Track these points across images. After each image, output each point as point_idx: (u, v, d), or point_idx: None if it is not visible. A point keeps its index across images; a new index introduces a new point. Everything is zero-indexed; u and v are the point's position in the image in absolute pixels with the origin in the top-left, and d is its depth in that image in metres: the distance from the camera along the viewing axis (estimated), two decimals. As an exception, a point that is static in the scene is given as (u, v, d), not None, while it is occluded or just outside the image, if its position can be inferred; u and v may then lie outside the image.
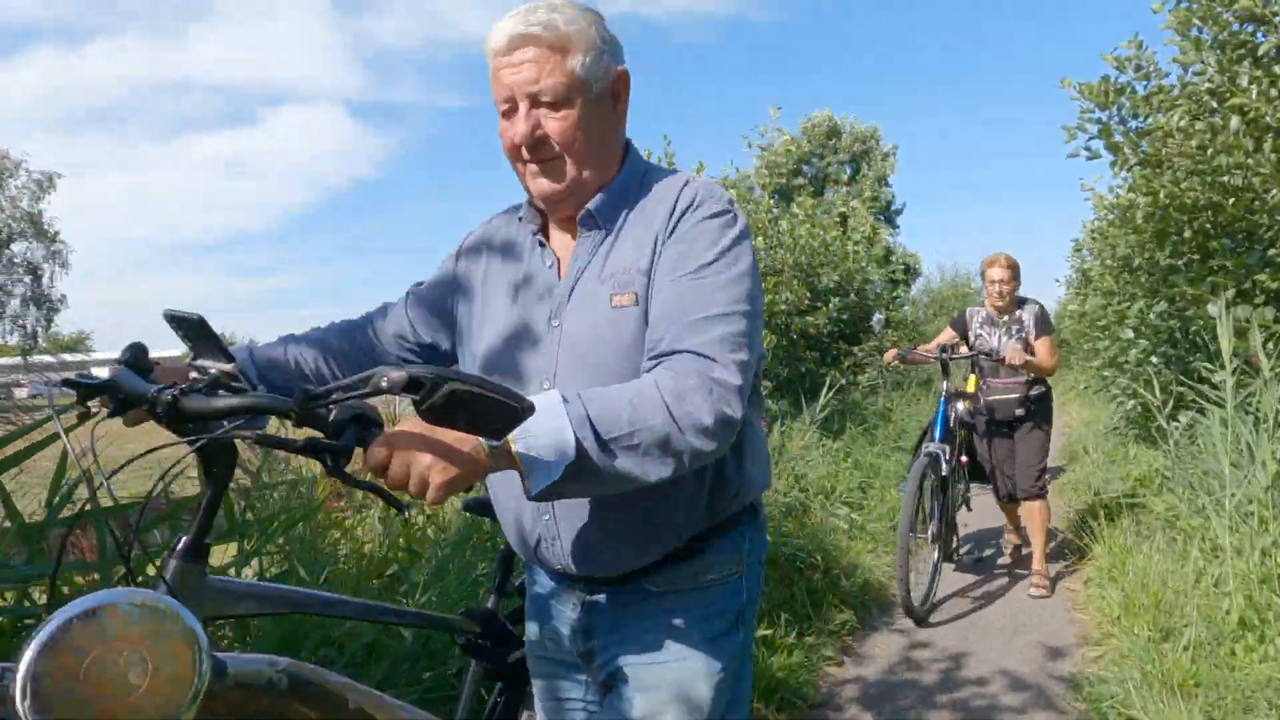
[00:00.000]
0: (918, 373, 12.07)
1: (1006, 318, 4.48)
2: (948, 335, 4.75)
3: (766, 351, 8.42)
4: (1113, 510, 5.04)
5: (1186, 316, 5.40)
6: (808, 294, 9.56)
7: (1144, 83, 5.45)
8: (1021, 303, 4.50)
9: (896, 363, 4.76)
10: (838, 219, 11.65)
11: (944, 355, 4.52)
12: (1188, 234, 5.28)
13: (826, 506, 5.00)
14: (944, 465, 4.21)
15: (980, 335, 4.55)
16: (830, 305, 9.60)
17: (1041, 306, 4.47)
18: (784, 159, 32.69)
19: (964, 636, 3.84)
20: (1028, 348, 4.35)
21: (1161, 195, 5.09)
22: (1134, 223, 5.46)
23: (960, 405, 4.55)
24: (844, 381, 9.80)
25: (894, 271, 27.22)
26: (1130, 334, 6.11)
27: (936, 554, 4.23)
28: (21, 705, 0.36)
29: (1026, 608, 4.21)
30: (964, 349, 4.61)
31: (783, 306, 9.31)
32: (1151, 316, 5.87)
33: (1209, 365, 4.32)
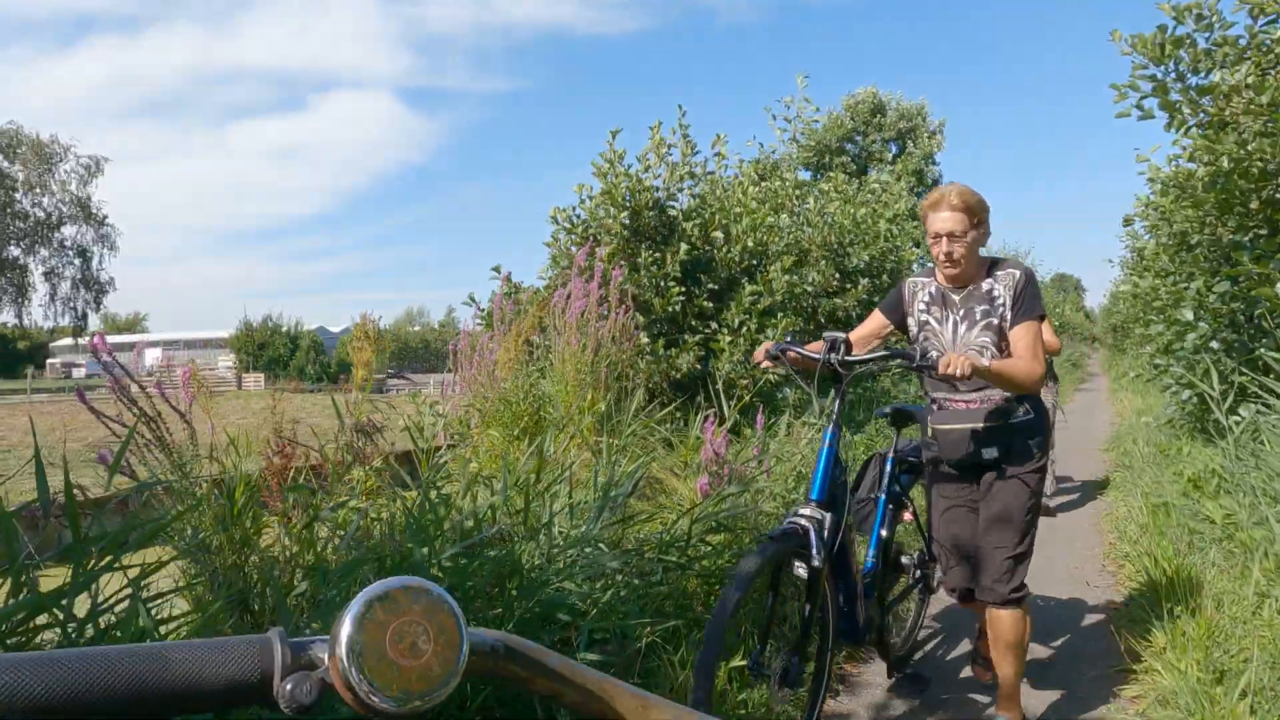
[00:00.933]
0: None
1: (966, 292, 2.70)
2: (873, 325, 2.95)
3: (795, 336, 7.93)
4: (1160, 516, 4.48)
5: (1251, 297, 4.77)
6: (836, 275, 9.01)
7: (1206, 34, 4.81)
8: (993, 267, 2.71)
9: (769, 364, 2.86)
10: (871, 195, 11.03)
11: (830, 357, 2.59)
12: (1254, 205, 4.66)
13: (836, 508, 4.52)
14: (813, 554, 2.46)
15: (927, 324, 2.77)
16: (860, 286, 9.04)
17: (1027, 272, 2.68)
18: (826, 134, 31.88)
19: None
20: (1001, 338, 2.63)
21: (1224, 161, 4.48)
22: (1193, 194, 4.85)
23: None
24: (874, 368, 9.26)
25: (939, 252, 26.31)
26: (1189, 315, 5.49)
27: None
28: (346, 663, 0.43)
29: (1049, 621, 3.71)
30: (870, 350, 2.78)
31: (808, 288, 8.79)
32: (1211, 298, 5.25)
33: (1277, 355, 3.74)
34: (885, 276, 9.62)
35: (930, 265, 2.83)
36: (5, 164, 36.22)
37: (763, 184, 8.38)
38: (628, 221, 6.49)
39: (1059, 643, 3.58)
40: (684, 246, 6.35)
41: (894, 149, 32.25)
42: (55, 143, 36.82)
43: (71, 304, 39.06)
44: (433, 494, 2.62)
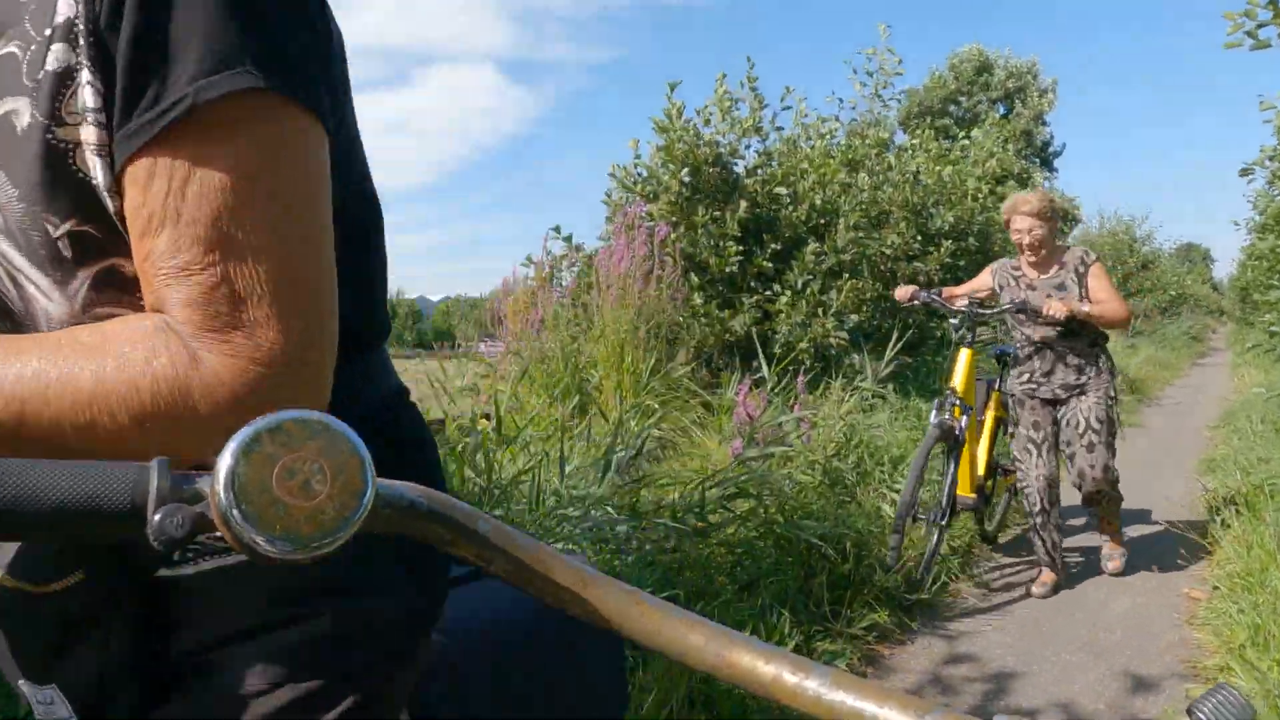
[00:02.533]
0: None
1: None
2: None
3: (867, 300, 7.53)
4: (1257, 499, 4.01)
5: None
6: (918, 237, 8.51)
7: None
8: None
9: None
10: (961, 152, 10.35)
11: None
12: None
13: (887, 479, 4.23)
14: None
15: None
16: (943, 249, 8.51)
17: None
18: (927, 95, 30.44)
19: (1026, 650, 3.05)
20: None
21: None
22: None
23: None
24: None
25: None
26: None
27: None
28: (224, 497, 0.41)
29: (1113, 614, 3.35)
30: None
31: (887, 251, 8.33)
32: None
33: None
34: (972, 239, 9.04)
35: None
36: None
37: (836, 138, 7.95)
38: (687, 179, 6.24)
39: (1127, 626, 3.23)
40: (744, 204, 6.06)
41: (1001, 109, 30.58)
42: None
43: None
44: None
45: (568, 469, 3.00)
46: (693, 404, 4.44)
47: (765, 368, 4.45)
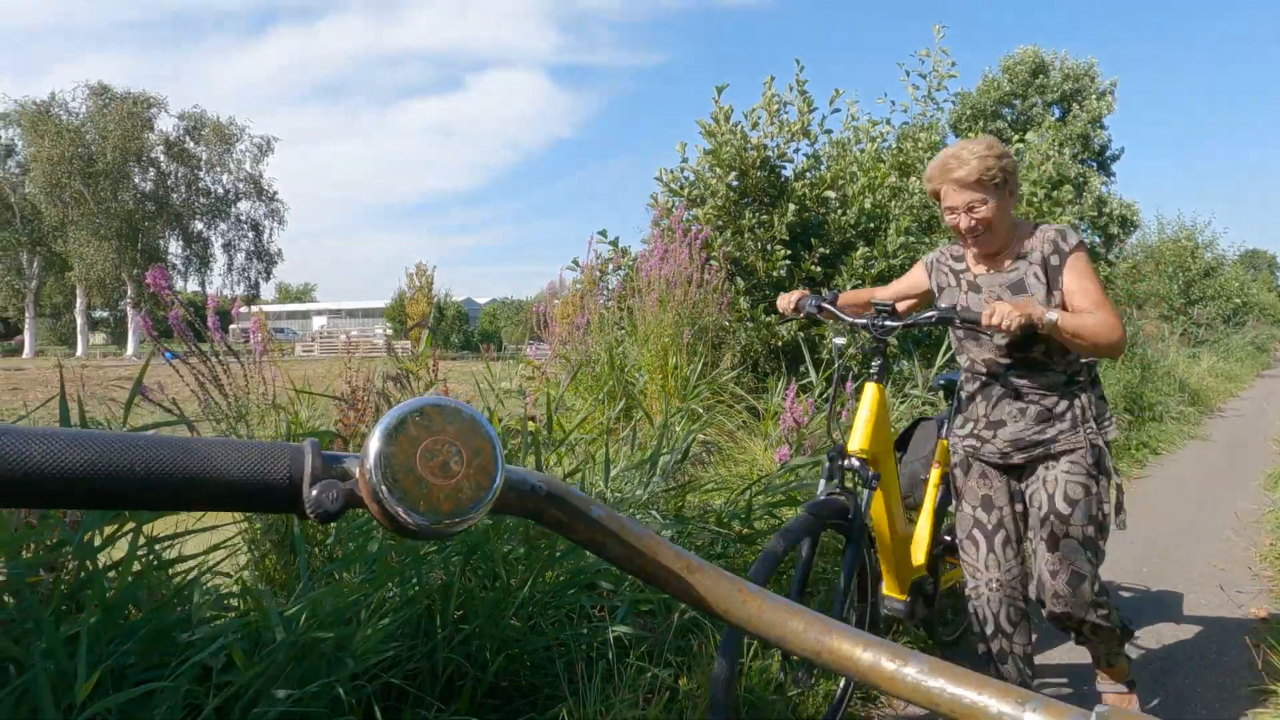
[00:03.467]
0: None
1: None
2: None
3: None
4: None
5: None
6: (969, 242, 8.35)
7: None
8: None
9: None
10: (1015, 156, 10.12)
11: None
12: None
13: (939, 488, 4.13)
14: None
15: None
16: (996, 255, 8.33)
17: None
18: (980, 97, 29.90)
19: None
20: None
21: None
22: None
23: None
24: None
25: (1104, 223, 24.28)
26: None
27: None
28: (374, 475, 0.43)
29: (1184, 634, 3.23)
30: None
31: (938, 256, 8.19)
32: None
33: None
34: (1026, 244, 8.83)
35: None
36: (191, 145, 39.59)
37: (887, 141, 7.83)
38: (735, 183, 6.20)
39: (1186, 650, 3.10)
40: (792, 208, 6.00)
41: (1056, 112, 29.93)
42: (233, 124, 39.89)
43: (246, 274, 42.43)
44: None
45: (612, 472, 2.99)
46: (738, 409, 4.40)
47: (813, 373, 4.40)
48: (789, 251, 5.98)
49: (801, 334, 5.77)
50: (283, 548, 2.63)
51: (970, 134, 9.93)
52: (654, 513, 2.83)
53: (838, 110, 6.83)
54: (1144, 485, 6.15)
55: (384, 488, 0.43)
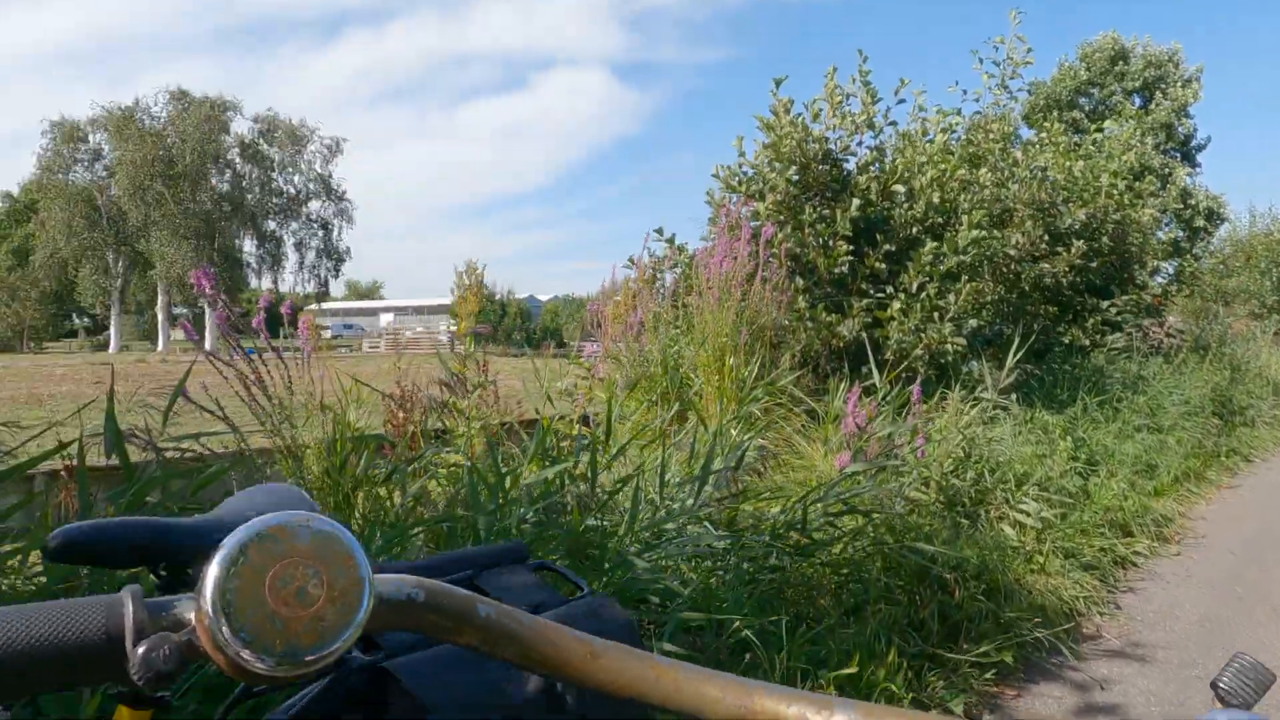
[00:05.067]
0: (1190, 334, 9.86)
1: None
2: None
3: (987, 304, 7.09)
4: None
5: None
6: (1045, 236, 7.96)
7: None
8: None
9: None
10: (1093, 145, 9.65)
11: None
12: None
13: (1011, 499, 3.90)
14: None
15: None
16: (1073, 249, 7.93)
17: None
18: (1055, 86, 28.85)
19: (1181, 687, 2.72)
20: None
21: None
22: None
23: None
24: (1086, 343, 8.14)
25: (1189, 215, 23.12)
26: None
27: None
28: (215, 620, 0.37)
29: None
30: None
31: (1011, 251, 7.84)
32: None
33: None
34: (1105, 239, 8.41)
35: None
36: (265, 147, 40.81)
37: (956, 132, 7.51)
38: (795, 177, 6.01)
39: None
40: (855, 202, 5.78)
41: (1137, 101, 28.69)
42: (304, 126, 41.01)
43: (316, 272, 43.59)
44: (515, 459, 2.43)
45: (668, 479, 2.87)
46: (797, 412, 4.24)
47: (876, 374, 4.20)
48: (851, 248, 5.76)
49: (865, 334, 5.56)
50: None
51: (1044, 125, 9.47)
52: (707, 524, 2.70)
53: (903, 101, 6.56)
54: (1237, 495, 5.76)
55: (226, 631, 0.37)
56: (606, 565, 2.27)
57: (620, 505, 2.75)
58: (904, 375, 5.45)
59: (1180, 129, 28.89)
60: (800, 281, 5.64)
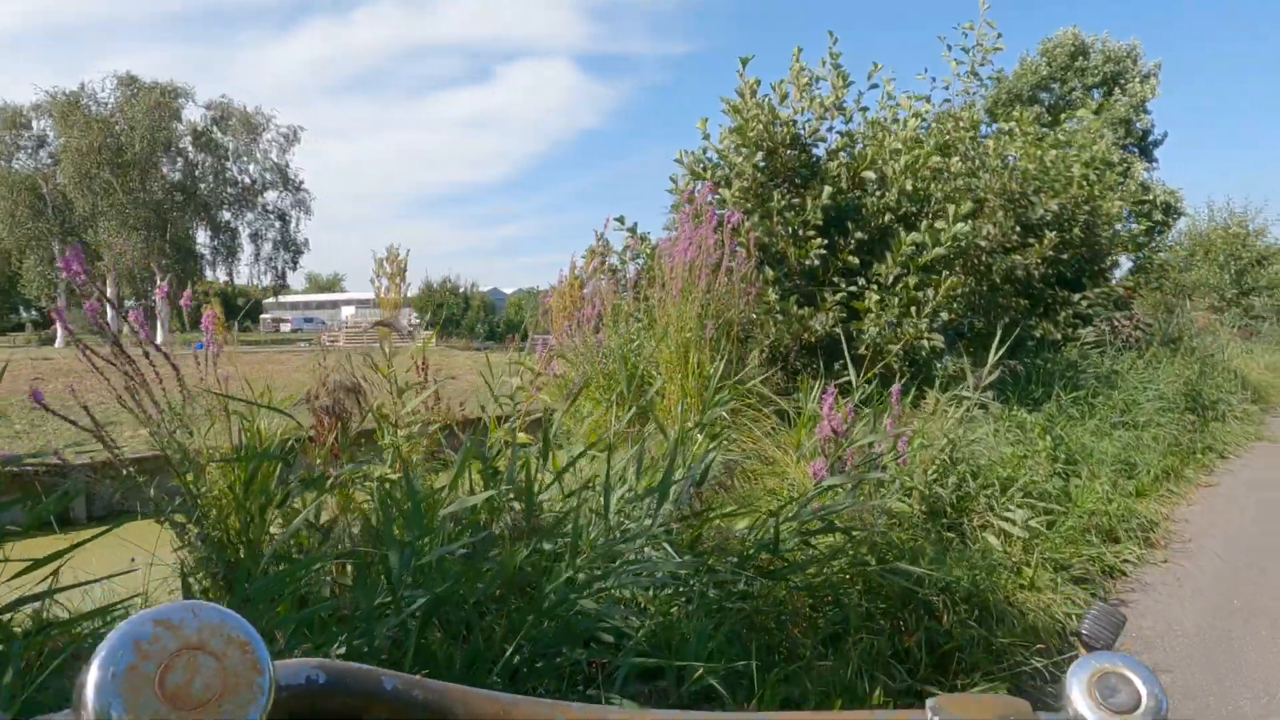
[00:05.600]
0: (1168, 328, 9.76)
1: None
2: None
3: (958, 297, 6.85)
4: None
5: None
6: (1016, 228, 7.75)
7: None
8: None
9: None
10: (1064, 134, 9.48)
11: None
12: None
13: (996, 505, 3.63)
14: None
15: None
16: (1045, 241, 7.73)
17: None
18: (1017, 81, 29.01)
19: (1197, 713, 2.46)
20: None
21: None
22: None
23: None
24: (1058, 336, 7.95)
25: (1147, 210, 23.36)
26: None
27: None
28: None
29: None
30: None
31: (982, 243, 7.61)
32: None
33: None
34: (1077, 230, 8.23)
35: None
36: (218, 134, 39.62)
37: (926, 120, 7.27)
38: (763, 163, 5.69)
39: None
40: (826, 190, 5.48)
41: (1097, 96, 28.95)
42: (259, 113, 39.87)
43: (273, 264, 42.45)
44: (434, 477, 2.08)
45: (621, 495, 2.53)
46: (767, 413, 3.92)
47: (852, 372, 3.88)
48: (823, 239, 5.47)
49: (838, 328, 5.27)
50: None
51: (1006, 119, 9.26)
52: (666, 545, 2.36)
53: (875, 86, 6.29)
54: (1217, 494, 5.57)
55: None
56: (546, 604, 1.93)
57: (566, 529, 2.40)
58: (879, 372, 5.17)
59: (1138, 124, 29.26)
60: (769, 272, 5.34)
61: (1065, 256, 8.18)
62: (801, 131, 5.82)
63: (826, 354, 5.16)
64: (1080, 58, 31.12)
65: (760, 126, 5.58)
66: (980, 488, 3.71)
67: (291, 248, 42.52)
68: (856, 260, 5.56)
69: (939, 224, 5.55)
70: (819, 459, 3.11)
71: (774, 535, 2.46)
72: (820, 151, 6.01)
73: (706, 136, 5.87)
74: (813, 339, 5.26)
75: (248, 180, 40.59)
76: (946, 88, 8.59)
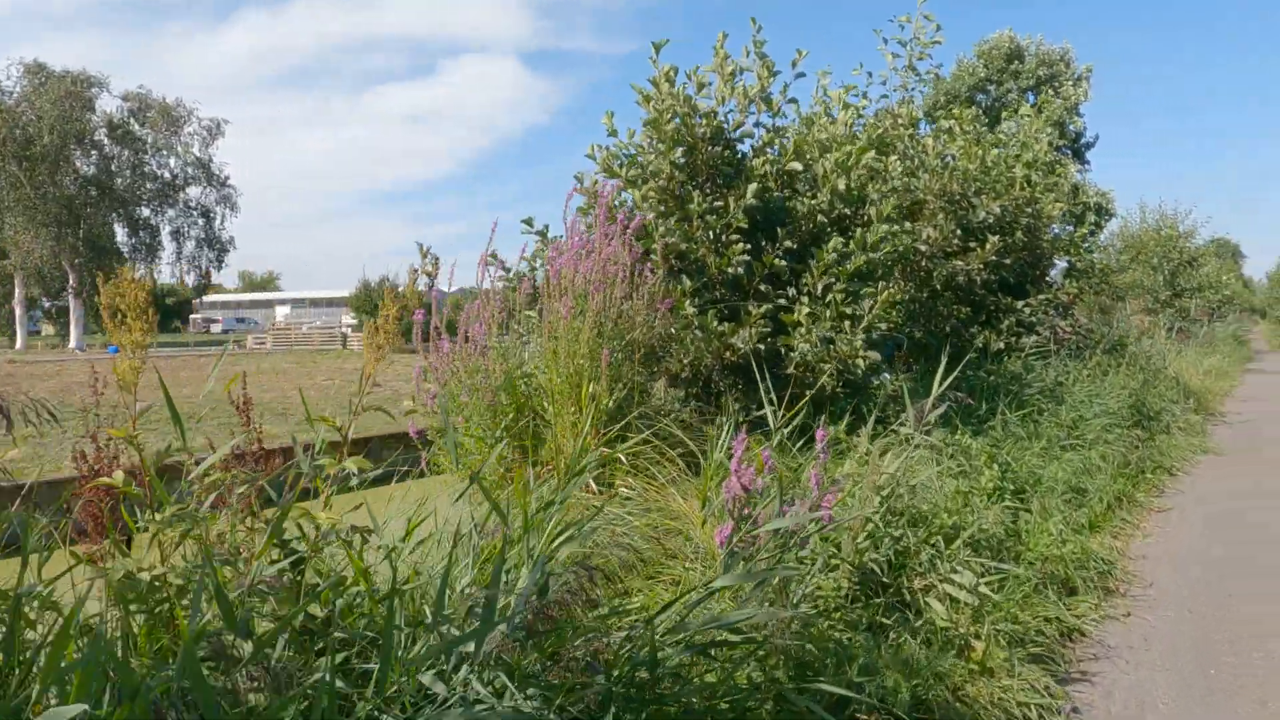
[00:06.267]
0: (1110, 334, 9.47)
1: None
2: None
3: (899, 305, 6.35)
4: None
5: None
6: (957, 231, 7.31)
7: None
8: None
9: None
10: (1004, 134, 9.15)
11: None
12: None
13: (941, 561, 3.07)
14: None
15: None
16: (987, 245, 7.30)
17: None
18: (955, 83, 29.13)
19: None
20: None
21: None
22: None
23: None
24: (1000, 346, 7.54)
25: (1081, 211, 23.50)
26: None
27: None
28: None
29: None
30: None
31: (923, 247, 7.16)
32: None
33: None
34: (1020, 234, 7.84)
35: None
36: (136, 127, 37.65)
37: (861, 118, 6.78)
38: (683, 160, 5.09)
39: None
40: (752, 189, 4.91)
41: (1031, 99, 29.20)
42: (180, 106, 38.01)
43: (196, 262, 40.55)
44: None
45: (459, 591, 1.88)
46: (673, 455, 3.31)
47: (770, 415, 3.24)
48: (748, 245, 4.89)
49: (763, 345, 4.69)
50: None
51: (945, 120, 8.86)
52: (501, 674, 1.72)
53: (802, 75, 5.72)
54: (1171, 522, 5.16)
55: None
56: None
57: (373, 649, 1.76)
58: (809, 388, 4.61)
59: (1071, 127, 29.65)
60: (687, 282, 4.74)
61: (1008, 261, 7.78)
62: (725, 124, 5.23)
63: (750, 374, 4.58)
64: (1016, 60, 31.46)
65: (677, 119, 4.98)
66: (923, 540, 3.15)
67: (216, 245, 40.67)
68: (785, 265, 5.00)
69: (869, 230, 5.01)
70: (727, 522, 2.51)
71: (652, 652, 1.84)
72: (746, 148, 5.44)
73: (613, 133, 5.24)
74: (735, 357, 4.67)
75: (168, 175, 38.70)
76: (884, 83, 8.12)
